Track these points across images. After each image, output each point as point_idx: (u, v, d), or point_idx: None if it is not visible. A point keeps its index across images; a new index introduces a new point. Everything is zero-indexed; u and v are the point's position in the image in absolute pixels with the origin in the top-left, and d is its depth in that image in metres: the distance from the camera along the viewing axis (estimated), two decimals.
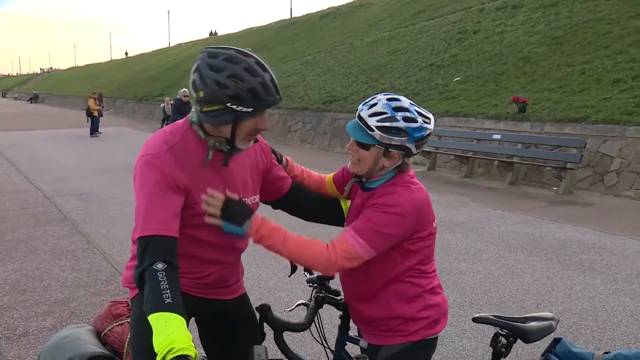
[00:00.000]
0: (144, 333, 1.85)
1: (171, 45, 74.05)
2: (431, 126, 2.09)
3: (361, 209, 2.16)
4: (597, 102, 11.57)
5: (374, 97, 2.11)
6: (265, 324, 2.28)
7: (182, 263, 1.98)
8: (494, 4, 21.07)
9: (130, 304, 2.29)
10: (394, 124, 2.02)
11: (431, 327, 2.22)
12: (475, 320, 2.29)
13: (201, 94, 1.87)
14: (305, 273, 2.51)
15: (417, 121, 2.06)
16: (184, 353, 1.60)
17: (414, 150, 2.08)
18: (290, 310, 2.51)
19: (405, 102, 2.09)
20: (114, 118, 34.67)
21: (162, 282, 1.75)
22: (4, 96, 77.51)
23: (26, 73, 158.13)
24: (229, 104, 1.85)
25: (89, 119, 23.35)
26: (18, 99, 77.53)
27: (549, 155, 10.92)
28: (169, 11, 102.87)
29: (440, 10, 24.28)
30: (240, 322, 2.30)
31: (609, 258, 6.43)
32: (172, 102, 26.86)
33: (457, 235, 7.40)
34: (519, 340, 2.23)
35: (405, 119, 2.04)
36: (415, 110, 2.07)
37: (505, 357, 2.23)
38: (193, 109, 2.03)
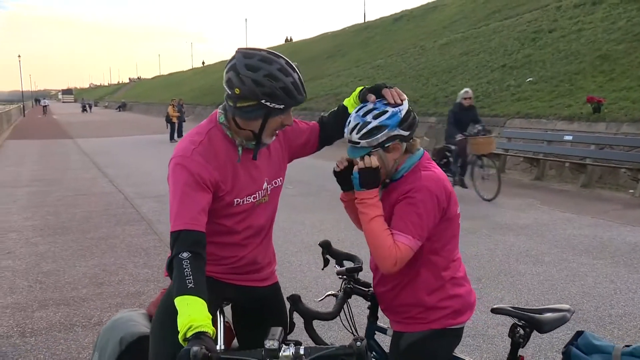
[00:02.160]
0: (165, 317, 2.10)
1: None
2: (404, 106, 2.25)
3: (391, 195, 2.29)
4: None
5: (349, 119, 2.30)
6: (295, 314, 2.39)
7: (215, 250, 2.19)
8: (572, 1, 20.37)
9: None
10: (368, 127, 2.21)
11: (453, 317, 2.31)
12: (493, 311, 2.37)
13: (237, 90, 2.04)
14: (336, 266, 2.66)
15: (386, 112, 2.22)
16: (202, 330, 1.76)
17: (404, 132, 2.23)
18: (320, 301, 2.66)
19: (369, 104, 2.26)
20: (194, 124, 35.75)
21: (186, 269, 1.93)
22: (95, 105, 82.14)
23: (116, 83, 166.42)
24: (263, 101, 2.03)
25: (168, 125, 24.49)
26: (108, 108, 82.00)
27: (625, 156, 10.49)
28: (246, 19, 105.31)
29: (516, 10, 23.72)
30: (272, 309, 2.47)
31: None
32: None
33: (521, 238, 7.30)
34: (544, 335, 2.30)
35: (375, 117, 2.22)
36: (382, 104, 2.24)
37: (522, 347, 2.29)
38: (220, 110, 2.24)
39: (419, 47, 26.33)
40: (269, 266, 2.48)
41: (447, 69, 20.80)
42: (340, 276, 2.60)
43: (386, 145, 2.23)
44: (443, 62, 21.89)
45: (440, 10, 33.65)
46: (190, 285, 1.90)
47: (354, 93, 2.43)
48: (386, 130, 2.21)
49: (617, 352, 2.20)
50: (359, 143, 2.23)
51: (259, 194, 2.28)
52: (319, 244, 2.69)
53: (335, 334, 4.33)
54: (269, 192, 2.33)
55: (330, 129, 2.49)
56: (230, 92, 2.09)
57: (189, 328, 1.78)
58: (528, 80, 15.81)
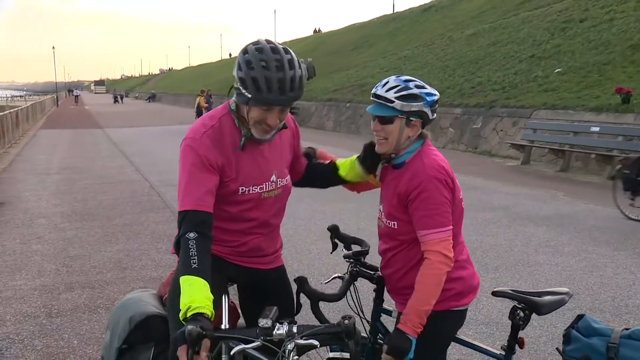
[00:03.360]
0: (174, 295, 2.15)
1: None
2: (437, 93, 2.36)
3: (396, 184, 2.36)
4: None
5: (384, 80, 2.36)
6: (302, 295, 2.46)
7: (219, 234, 2.27)
8: None
9: None
10: (410, 92, 2.27)
11: (456, 299, 2.37)
12: (494, 294, 2.41)
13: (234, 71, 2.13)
14: (343, 249, 2.73)
15: (426, 87, 2.32)
16: (200, 311, 1.82)
17: (430, 115, 2.32)
18: (326, 283, 2.72)
19: (405, 76, 2.35)
20: None
21: (192, 249, 1.99)
22: (126, 96, 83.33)
23: (147, 74, 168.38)
24: (235, 84, 2.10)
25: (198, 116, 24.65)
26: (138, 98, 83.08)
27: None
28: (275, 10, 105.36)
29: None
30: (278, 290, 2.53)
31: None
32: None
33: (541, 229, 7.27)
34: (548, 317, 2.34)
35: (417, 86, 2.30)
36: (416, 85, 2.31)
37: (522, 329, 2.33)
38: (234, 98, 2.30)
39: (447, 38, 26.09)
40: (274, 252, 2.54)
41: (474, 59, 20.59)
42: (347, 259, 2.66)
43: (411, 117, 2.29)
44: (470, 52, 21.66)
45: (469, 0, 33.24)
46: (194, 265, 1.96)
47: (350, 159, 2.55)
48: (421, 103, 2.29)
49: (616, 335, 2.24)
50: (392, 102, 2.27)
51: (266, 185, 2.30)
52: (328, 228, 2.75)
53: (339, 315, 4.39)
54: (279, 187, 2.35)
55: (312, 176, 2.61)
56: None
57: (188, 308, 1.85)
58: (556, 70, 15.58)
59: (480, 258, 5.98)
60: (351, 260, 2.65)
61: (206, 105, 24.75)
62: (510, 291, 2.36)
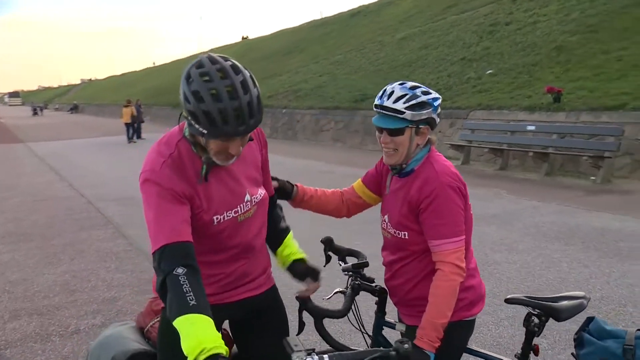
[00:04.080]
0: (170, 348, 1.92)
1: (204, 50, 74.97)
2: (439, 95, 2.30)
3: (405, 192, 2.27)
4: (634, 88, 11.35)
5: (386, 89, 2.25)
6: (304, 313, 2.33)
7: (203, 269, 2.00)
8: None
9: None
10: (418, 100, 2.19)
11: (468, 308, 2.30)
12: (507, 301, 2.35)
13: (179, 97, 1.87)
14: (340, 262, 2.60)
15: (431, 92, 2.25)
16: (216, 352, 1.62)
17: (437, 120, 2.26)
18: (328, 299, 2.59)
19: (408, 83, 2.26)
20: (150, 125, 35.33)
21: (184, 285, 1.75)
22: (46, 107, 79.74)
23: (66, 84, 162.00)
24: (189, 117, 1.82)
25: (129, 128, 24.34)
26: (59, 110, 79.68)
27: (585, 144, 10.77)
28: (201, 17, 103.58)
29: (472, 3, 24.06)
30: (271, 315, 2.34)
31: None
32: None
33: (492, 227, 7.39)
34: (553, 321, 2.29)
35: (423, 93, 2.22)
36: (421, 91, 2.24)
37: (537, 336, 2.28)
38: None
39: (377, 42, 26.46)
40: (263, 273, 2.33)
41: (406, 63, 20.96)
42: (346, 273, 2.56)
43: (421, 125, 2.21)
44: (402, 56, 22.04)
45: (396, 4, 33.90)
46: (192, 302, 1.73)
47: (291, 250, 2.35)
48: (430, 110, 2.22)
49: (631, 336, 2.21)
50: (402, 113, 2.17)
51: (240, 207, 2.08)
52: (321, 241, 2.61)
53: (338, 329, 4.26)
54: (254, 204, 2.13)
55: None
56: None
57: (201, 352, 1.63)
58: (488, 72, 16.07)
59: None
60: (351, 273, 2.54)
61: (134, 115, 24.41)
62: (524, 297, 2.30)
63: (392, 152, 2.24)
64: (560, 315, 2.22)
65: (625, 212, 7.88)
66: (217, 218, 2.01)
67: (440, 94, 2.29)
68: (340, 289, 2.54)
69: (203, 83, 1.76)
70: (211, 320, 1.73)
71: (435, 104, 2.23)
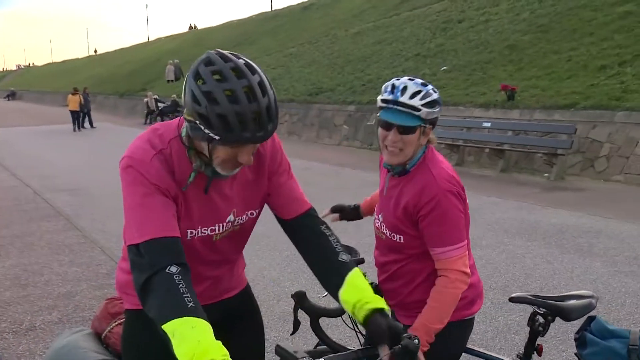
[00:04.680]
0: (137, 353, 1.73)
1: (150, 39, 73.32)
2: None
3: (399, 194, 2.18)
4: (584, 88, 11.67)
5: (396, 84, 2.11)
6: (299, 311, 2.24)
7: None
8: None
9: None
10: (433, 98, 2.08)
11: (467, 307, 2.24)
12: (512, 300, 2.30)
13: (183, 99, 1.67)
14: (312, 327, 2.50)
15: (436, 89, 2.14)
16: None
17: (439, 118, 2.17)
18: (323, 297, 2.49)
19: (417, 79, 2.15)
20: (96, 114, 34.28)
21: (181, 285, 1.56)
22: None
23: (1, 70, 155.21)
24: (197, 122, 1.60)
25: (74, 114, 23.76)
26: None
27: (539, 142, 11.00)
28: (147, 5, 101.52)
29: (423, 0, 24.30)
30: (245, 316, 2.18)
31: (606, 241, 6.49)
32: (155, 97, 27.18)
33: None
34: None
35: (434, 90, 2.12)
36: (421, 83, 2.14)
37: (542, 336, 2.23)
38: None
39: (331, 36, 26.41)
40: (237, 278, 2.15)
41: (361, 57, 20.98)
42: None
43: (428, 125, 2.11)
44: (356, 50, 22.06)
45: None
46: (191, 304, 1.53)
47: (362, 295, 1.79)
48: (439, 109, 2.12)
49: (635, 336, 2.18)
50: (419, 110, 2.05)
51: (219, 226, 1.86)
52: (292, 296, 2.28)
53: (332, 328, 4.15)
54: (237, 225, 1.91)
55: (303, 242, 1.96)
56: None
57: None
58: (442, 69, 16.24)
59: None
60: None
61: (83, 103, 23.87)
62: (530, 296, 2.26)
63: (398, 151, 2.11)
64: (570, 315, 2.18)
65: (580, 209, 8.07)
66: (190, 232, 1.82)
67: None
68: None
69: (217, 83, 1.57)
70: (211, 328, 1.53)
71: (441, 101, 2.15)
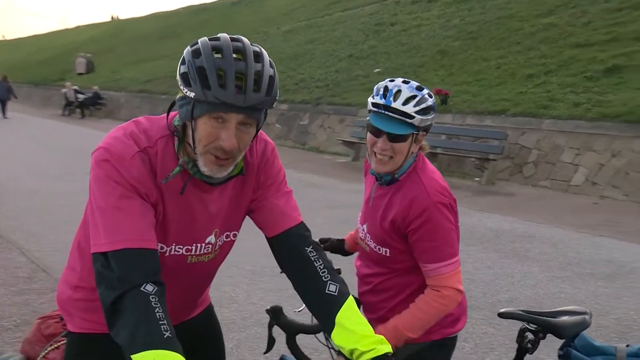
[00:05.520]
0: None
1: (68, 27, 70.16)
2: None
3: (387, 205, 2.03)
4: (513, 95, 12.02)
5: (389, 86, 1.95)
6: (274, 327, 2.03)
7: None
8: None
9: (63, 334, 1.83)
10: (427, 104, 1.94)
11: (452, 325, 2.13)
12: (501, 315, 2.18)
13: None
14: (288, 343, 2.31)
15: (431, 94, 2.00)
16: None
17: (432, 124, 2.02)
18: (299, 311, 2.29)
19: (412, 82, 2.00)
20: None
21: (157, 309, 1.34)
22: None
23: None
24: (180, 84, 1.44)
25: None
26: None
27: (471, 146, 11.22)
28: None
29: (356, 1, 24.46)
30: (207, 335, 2.00)
31: (540, 246, 6.63)
32: (74, 87, 25.90)
33: None
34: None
35: (429, 95, 1.97)
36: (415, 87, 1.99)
37: (531, 353, 2.13)
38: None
39: (262, 33, 26.11)
40: (203, 298, 1.95)
41: (293, 56, 20.82)
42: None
43: (421, 132, 1.97)
44: (288, 49, 21.88)
45: None
46: (167, 334, 1.33)
47: (361, 338, 1.55)
48: (433, 115, 1.96)
49: (622, 353, 2.10)
50: (412, 117, 1.89)
51: (196, 247, 1.64)
52: (267, 311, 2.07)
53: (308, 344, 3.91)
54: (216, 249, 1.70)
55: (285, 261, 1.72)
56: None
57: None
58: (376, 70, 16.33)
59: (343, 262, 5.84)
60: None
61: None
62: (519, 312, 2.14)
63: (387, 159, 1.96)
64: (564, 332, 2.07)
65: (512, 214, 8.25)
66: (161, 247, 1.57)
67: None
68: None
69: (208, 42, 1.44)
70: None
71: (435, 107, 1.99)
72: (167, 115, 1.57)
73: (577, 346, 2.18)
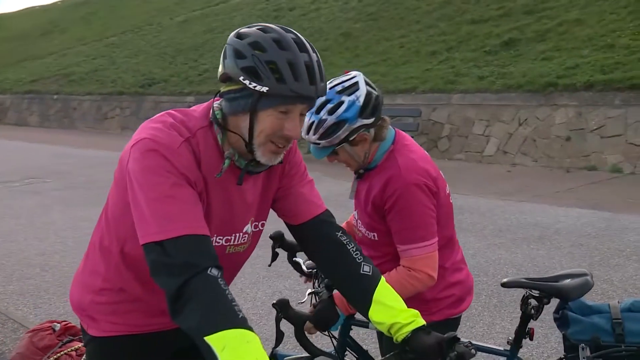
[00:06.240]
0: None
1: None
2: (361, 90, 1.95)
3: (369, 189, 2.06)
4: (420, 73, 12.40)
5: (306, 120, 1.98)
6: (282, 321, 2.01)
7: (146, 294, 1.61)
8: None
9: (82, 343, 1.81)
10: (325, 125, 1.95)
11: (455, 305, 2.17)
12: (504, 285, 2.26)
13: (221, 68, 1.47)
14: (301, 261, 2.36)
15: (342, 103, 1.95)
16: None
17: (368, 121, 1.97)
18: (303, 302, 2.26)
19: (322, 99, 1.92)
20: None
21: (227, 291, 1.34)
22: None
23: None
24: (241, 78, 1.41)
25: None
26: None
27: None
28: None
29: None
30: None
31: (470, 217, 6.92)
32: None
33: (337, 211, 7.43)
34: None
35: (330, 111, 1.95)
36: (336, 92, 1.95)
37: (535, 319, 2.21)
38: (216, 104, 1.57)
39: (156, 24, 25.17)
40: None
41: (192, 47, 20.28)
42: (312, 270, 2.33)
43: (350, 139, 1.97)
44: (186, 39, 21.27)
45: None
46: (241, 315, 1.32)
47: (397, 315, 1.61)
48: (346, 125, 1.94)
49: (616, 310, 2.23)
50: (319, 144, 1.97)
51: (235, 237, 1.65)
52: (270, 236, 2.28)
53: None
54: (250, 238, 1.70)
55: (312, 246, 1.75)
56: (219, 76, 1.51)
57: None
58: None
59: None
60: (315, 270, 2.31)
61: None
62: (523, 280, 2.22)
63: (347, 166, 2.09)
64: (570, 295, 2.17)
65: None
66: None
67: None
68: (313, 289, 2.25)
69: (264, 33, 1.44)
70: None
71: (350, 113, 1.93)
72: (212, 105, 1.56)
73: (572, 307, 2.30)
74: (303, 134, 1.94)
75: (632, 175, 8.81)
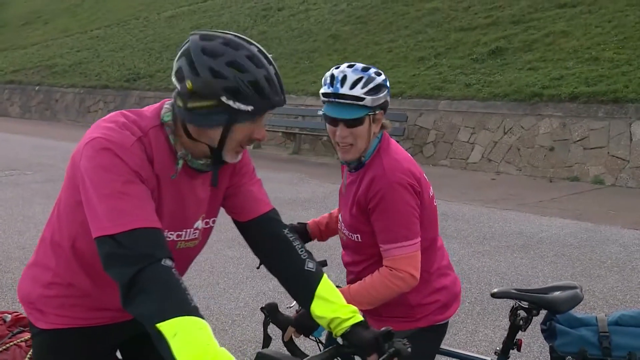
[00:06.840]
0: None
1: None
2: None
3: (355, 190, 2.05)
4: (408, 78, 12.44)
5: (334, 74, 2.01)
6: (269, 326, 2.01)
7: (96, 290, 1.65)
8: None
9: (29, 334, 1.84)
10: (375, 82, 1.97)
11: (440, 312, 2.17)
12: (494, 295, 2.26)
13: (190, 84, 1.48)
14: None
15: (380, 72, 2.05)
16: None
17: (389, 102, 2.06)
18: (292, 307, 2.23)
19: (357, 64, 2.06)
20: None
21: (180, 281, 1.39)
22: None
23: None
24: (223, 99, 1.46)
25: None
26: None
27: None
28: None
29: None
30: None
31: (454, 223, 6.95)
32: None
33: (311, 211, 7.41)
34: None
35: (376, 74, 2.01)
36: (361, 69, 2.03)
37: (523, 330, 2.22)
38: (167, 105, 1.63)
39: (142, 19, 24.93)
40: None
41: (179, 43, 19.73)
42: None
43: (377, 111, 1.99)
44: (174, 35, 21.10)
45: None
46: (193, 303, 1.38)
47: (338, 309, 1.68)
48: (386, 92, 1.99)
49: (603, 323, 2.24)
50: (362, 99, 1.92)
51: (186, 233, 1.70)
52: (262, 308, 2.04)
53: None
54: (200, 234, 1.76)
55: (262, 241, 1.80)
56: (179, 87, 1.52)
57: None
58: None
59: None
60: None
61: None
62: (513, 290, 2.23)
63: (349, 147, 2.00)
64: (560, 308, 2.18)
65: None
66: None
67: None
68: None
69: (236, 51, 1.49)
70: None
71: (388, 84, 2.03)
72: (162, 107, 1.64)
73: (560, 320, 2.31)
74: (343, 88, 1.93)
75: (614, 187, 8.92)
